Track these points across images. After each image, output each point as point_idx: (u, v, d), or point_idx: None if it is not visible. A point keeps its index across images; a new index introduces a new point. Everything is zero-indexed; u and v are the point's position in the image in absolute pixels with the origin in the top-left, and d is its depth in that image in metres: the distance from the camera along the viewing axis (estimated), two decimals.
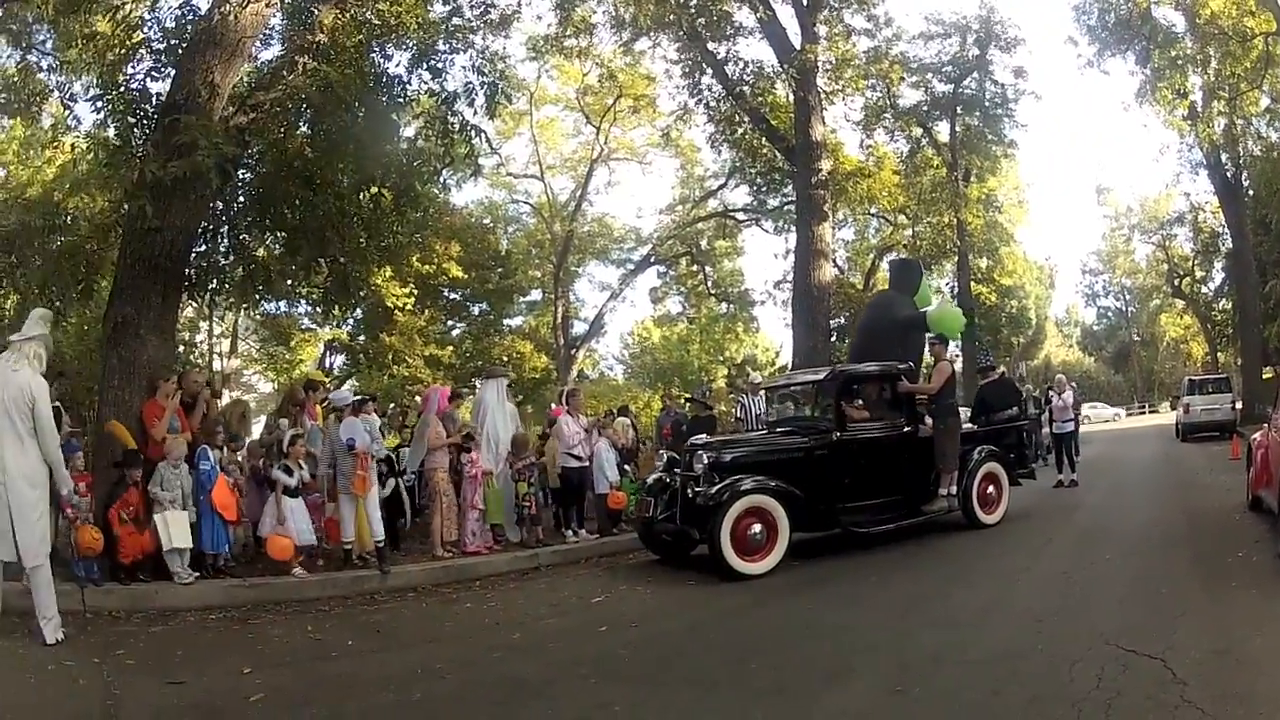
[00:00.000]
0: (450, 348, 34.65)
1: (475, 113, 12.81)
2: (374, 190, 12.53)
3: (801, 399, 14.67)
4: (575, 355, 45.27)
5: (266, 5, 11.96)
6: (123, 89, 11.62)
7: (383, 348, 32.01)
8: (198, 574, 10.27)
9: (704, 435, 13.51)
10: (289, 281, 13.70)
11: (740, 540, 10.97)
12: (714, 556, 10.94)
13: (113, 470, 10.32)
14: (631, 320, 71.37)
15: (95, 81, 12.45)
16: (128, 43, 11.79)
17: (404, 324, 31.92)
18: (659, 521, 12.31)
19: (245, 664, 7.55)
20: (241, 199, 12.61)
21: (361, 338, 33.99)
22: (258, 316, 31.23)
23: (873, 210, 35.18)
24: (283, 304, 28.27)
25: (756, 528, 11.10)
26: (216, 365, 33.64)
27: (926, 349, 14.82)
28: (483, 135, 13.01)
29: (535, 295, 45.85)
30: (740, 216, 42.18)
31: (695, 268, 47.31)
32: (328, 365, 34.57)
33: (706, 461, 11.74)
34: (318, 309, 17.43)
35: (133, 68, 12.09)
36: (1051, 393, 20.35)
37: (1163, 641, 6.53)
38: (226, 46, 11.53)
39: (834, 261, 41.19)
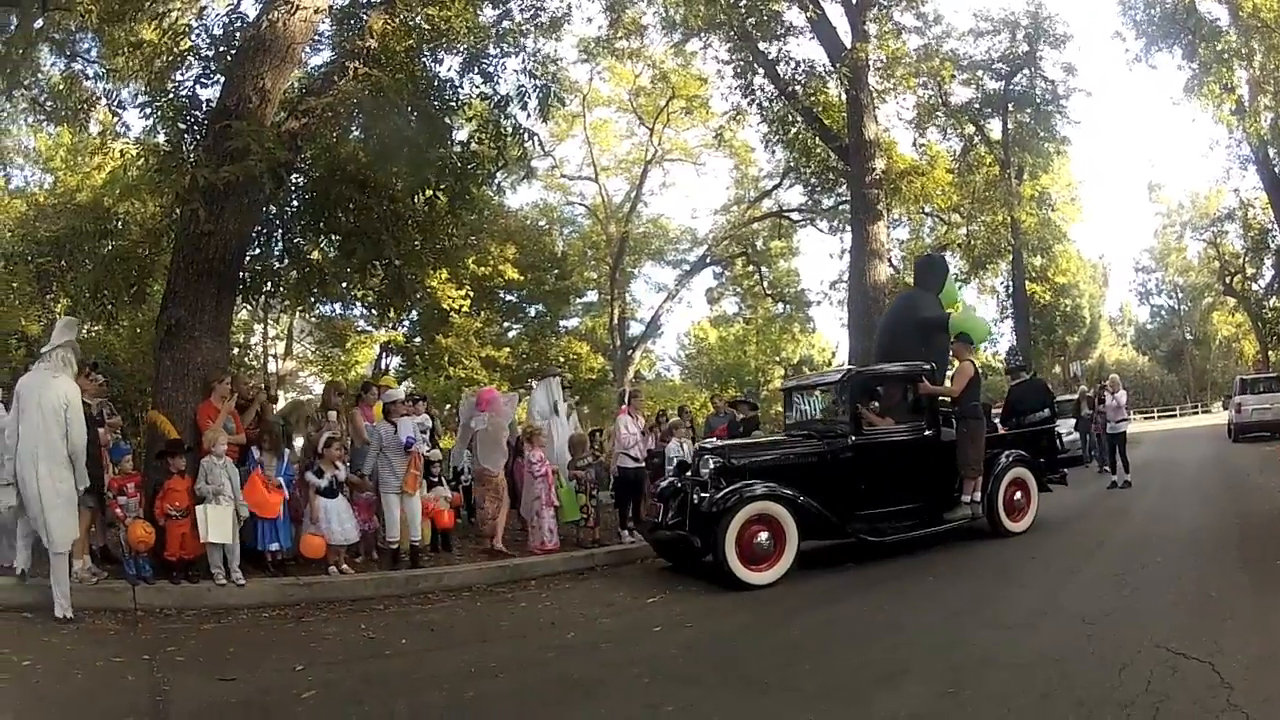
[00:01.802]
0: (506, 349, 34.64)
1: (528, 115, 12.86)
2: (428, 193, 12.54)
3: (819, 401, 14.03)
4: (632, 356, 45.20)
5: (316, 12, 12.10)
6: (172, 96, 11.81)
7: (438, 349, 32.23)
8: (240, 577, 10.16)
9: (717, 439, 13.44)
10: (344, 284, 13.79)
11: (746, 548, 10.59)
12: (718, 565, 10.59)
13: (158, 464, 10.43)
14: (688, 321, 71.40)
15: (143, 89, 12.58)
16: (175, 50, 11.93)
17: (460, 326, 32.02)
18: (667, 527, 11.94)
19: (298, 661, 7.64)
20: (295, 203, 12.75)
21: (418, 339, 34.25)
22: (312, 319, 31.50)
23: (927, 209, 34.81)
24: (338, 306, 28.61)
25: (763, 535, 10.71)
26: (271, 367, 33.98)
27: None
28: (535, 138, 12.99)
29: (592, 297, 45.85)
30: (795, 216, 41.75)
31: (751, 268, 47.07)
32: (384, 367, 34.85)
33: (712, 466, 11.41)
34: (373, 311, 17.50)
35: (181, 75, 12.33)
36: (1105, 393, 19.97)
37: (1211, 645, 6.44)
38: (277, 53, 11.68)
39: (889, 261, 40.93)
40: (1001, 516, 12.75)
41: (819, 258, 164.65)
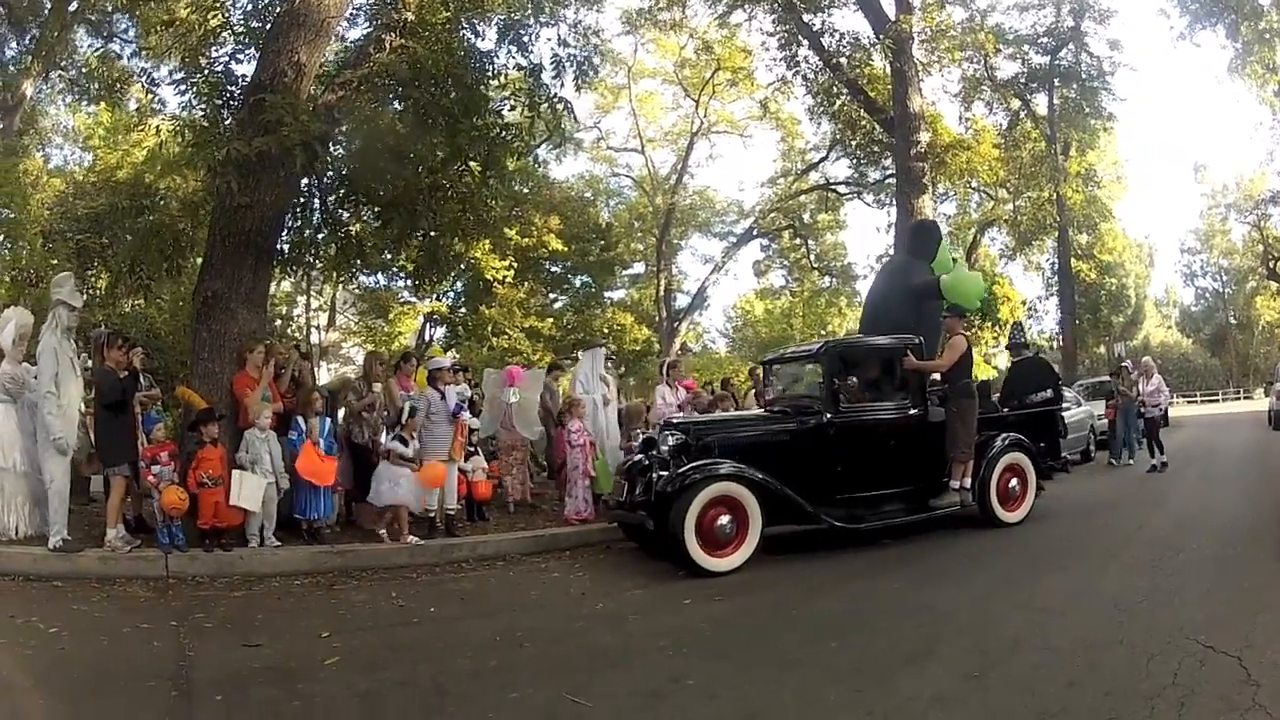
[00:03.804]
0: (550, 320, 34.64)
1: (561, 85, 12.70)
2: (460, 165, 12.42)
3: (800, 376, 13.11)
4: (678, 328, 45.20)
5: None
6: (206, 72, 11.83)
7: (481, 320, 32.35)
8: (275, 542, 10.45)
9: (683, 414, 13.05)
10: (383, 255, 13.84)
11: (706, 531, 9.84)
12: (674, 549, 9.83)
13: (191, 435, 10.53)
14: (735, 293, 71.22)
15: (178, 66, 12.63)
16: (208, 26, 11.90)
17: (503, 296, 32.13)
18: (627, 507, 11.08)
19: (324, 628, 7.61)
20: (332, 175, 12.73)
21: (463, 310, 34.37)
22: (356, 290, 31.72)
23: (973, 184, 34.56)
24: (380, 277, 28.79)
25: (724, 519, 9.94)
26: (315, 338, 34.26)
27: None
28: (568, 107, 12.82)
29: (638, 268, 45.90)
30: (841, 190, 41.37)
31: (798, 241, 46.88)
32: (428, 337, 35.02)
33: (671, 443, 10.71)
34: (410, 283, 17.56)
35: (216, 51, 12.30)
36: (1140, 376, 19.60)
37: (1241, 639, 6.19)
38: (311, 27, 11.67)
39: None
40: (994, 504, 11.88)
41: (865, 231, 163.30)
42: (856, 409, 11.45)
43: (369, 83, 11.53)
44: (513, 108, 13.07)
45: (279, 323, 29.43)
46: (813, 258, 47.13)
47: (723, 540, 9.94)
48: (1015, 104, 33.48)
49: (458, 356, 28.94)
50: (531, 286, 33.76)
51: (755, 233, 46.88)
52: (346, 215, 13.15)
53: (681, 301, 47.20)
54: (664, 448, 10.77)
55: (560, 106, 12.68)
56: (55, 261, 16.10)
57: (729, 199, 48.60)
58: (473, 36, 12.87)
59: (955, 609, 7.94)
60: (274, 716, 5.65)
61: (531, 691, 5.92)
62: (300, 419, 10.98)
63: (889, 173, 32.38)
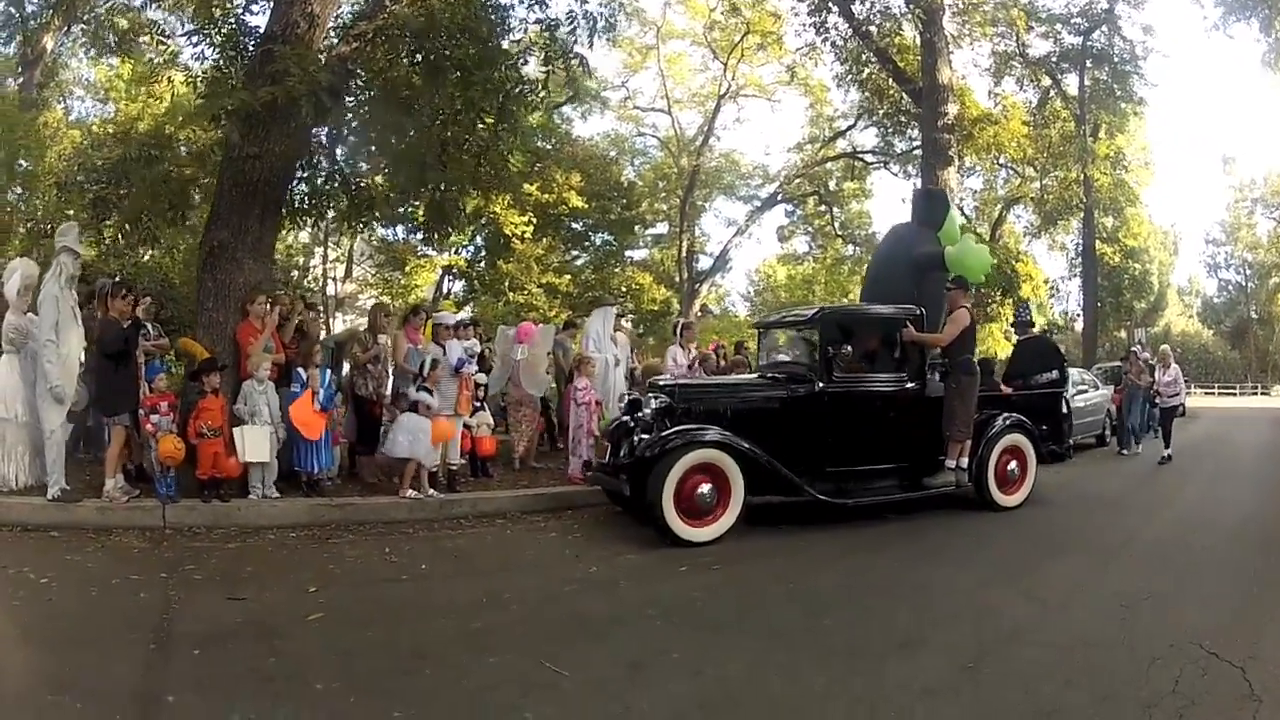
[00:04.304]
0: (568, 276, 34.30)
1: (577, 41, 12.32)
2: (473, 118, 12.12)
3: (796, 342, 12.49)
4: (698, 289, 45.07)
5: None
6: (219, 23, 11.70)
7: (499, 275, 32.20)
8: (275, 493, 10.43)
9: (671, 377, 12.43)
10: (397, 209, 13.76)
11: (686, 499, 9.46)
12: (651, 517, 9.44)
13: (193, 384, 10.49)
14: (758, 257, 70.88)
15: (192, 17, 12.52)
16: None
17: (521, 252, 31.88)
18: (609, 470, 10.86)
19: (312, 583, 7.52)
20: (344, 127, 12.53)
21: (482, 264, 34.29)
22: (373, 242, 31.64)
23: (1001, 160, 34.22)
24: (399, 229, 28.69)
25: (705, 487, 9.55)
26: (331, 289, 34.25)
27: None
28: (584, 64, 12.41)
29: (662, 228, 45.66)
30: (869, 159, 40.87)
31: (823, 208, 46.56)
32: (445, 291, 34.98)
33: (654, 406, 10.46)
34: (421, 236, 17.50)
35: (230, 3, 12.14)
36: (1157, 365, 18.87)
37: (1246, 649, 5.92)
38: None
39: (960, 209, 40.31)
40: (991, 487, 11.44)
41: (892, 201, 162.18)
42: (851, 379, 10.98)
43: (383, 34, 11.26)
44: (526, 63, 12.78)
45: (295, 274, 29.44)
46: (837, 225, 46.71)
47: (703, 509, 9.58)
48: (1046, 82, 32.99)
49: (474, 311, 28.95)
50: (550, 242, 33.44)
51: (780, 198, 46.51)
52: (360, 167, 13.00)
53: (704, 263, 46.96)
54: (646, 410, 10.55)
55: (576, 63, 12.32)
56: (71, 212, 16.08)
57: (755, 163, 48.40)
58: None
59: (954, 593, 7.74)
60: (249, 673, 5.48)
61: (511, 657, 5.80)
62: (301, 370, 10.89)
63: (915, 143, 32.05)
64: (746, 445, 9.91)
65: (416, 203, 13.17)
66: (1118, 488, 14.20)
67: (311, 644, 6.10)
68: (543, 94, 12.70)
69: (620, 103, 43.72)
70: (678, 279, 42.86)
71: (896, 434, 11.09)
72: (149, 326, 11.12)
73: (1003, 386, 12.79)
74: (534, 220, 31.73)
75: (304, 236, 27.22)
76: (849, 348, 10.93)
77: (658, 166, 45.20)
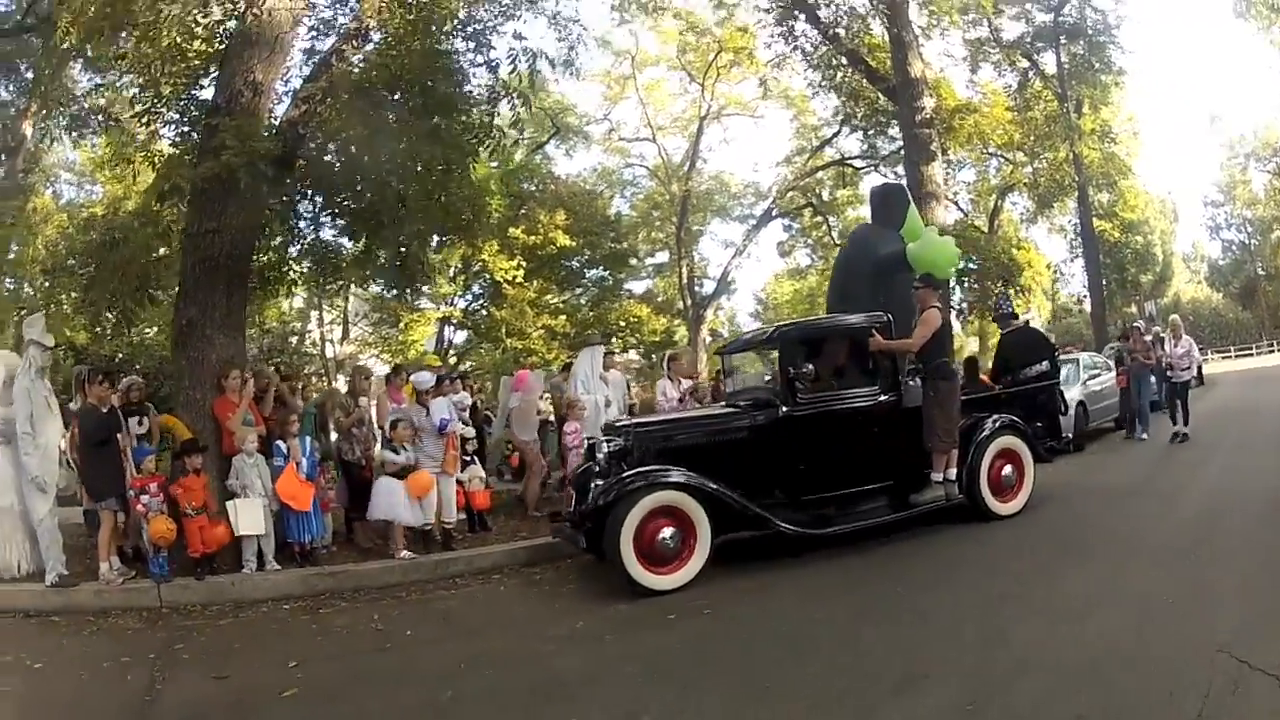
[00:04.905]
0: (564, 317, 34.00)
1: (520, 81, 12.14)
2: (422, 169, 12.01)
3: (760, 365, 11.85)
4: (703, 315, 45.02)
5: None
6: (167, 100, 11.78)
7: (495, 322, 32.10)
8: (275, 565, 10.38)
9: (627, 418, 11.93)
10: (363, 269, 13.77)
11: (648, 546, 8.82)
12: (613, 566, 8.88)
13: (177, 464, 10.41)
14: (760, 276, 70.89)
15: (136, 97, 12.56)
16: (159, 55, 11.78)
17: (513, 296, 31.70)
18: (570, 520, 10.32)
19: (295, 657, 7.45)
20: (301, 190, 12.48)
21: (484, 311, 34.26)
22: (366, 299, 31.72)
23: (990, 150, 34.08)
24: (371, 287, 28.79)
25: (667, 531, 8.90)
26: (330, 352, 34.31)
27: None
28: (526, 100, 12.32)
29: (662, 257, 45.62)
30: (858, 164, 40.89)
31: (819, 219, 46.52)
32: (447, 341, 35.00)
33: (609, 449, 9.81)
34: (387, 291, 17.52)
35: (176, 81, 12.18)
36: (1168, 336, 17.43)
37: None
38: (265, 45, 11.36)
39: (956, 204, 40.11)
40: (985, 496, 10.53)
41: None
42: (818, 398, 10.26)
43: (330, 95, 11.26)
44: (474, 105, 12.57)
45: (294, 339, 29.50)
46: (835, 234, 46.46)
47: (667, 555, 8.92)
48: (1023, 64, 32.87)
49: (469, 362, 28.96)
50: (541, 284, 33.27)
51: (774, 213, 46.35)
52: (320, 229, 13.00)
53: (709, 288, 46.95)
54: (599, 455, 9.91)
55: (520, 102, 12.23)
56: (61, 297, 16.21)
57: (744, 181, 48.15)
58: (441, 39, 12.51)
59: (958, 619, 7.10)
60: None
61: None
62: (280, 442, 10.78)
63: (899, 143, 32.00)
64: (706, 482, 9.26)
65: (371, 262, 13.09)
66: (1132, 476, 13.36)
67: None
68: (496, 136, 12.57)
69: (604, 135, 43.83)
70: (682, 306, 42.79)
71: (875, 452, 10.30)
72: (144, 413, 11.07)
73: (990, 384, 12.28)
74: (523, 264, 31.61)
75: (298, 301, 27.26)
76: (810, 366, 10.28)
77: (649, 196, 45.23)
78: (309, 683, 6.82)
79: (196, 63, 11.67)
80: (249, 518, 10.14)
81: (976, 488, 10.52)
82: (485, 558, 11.19)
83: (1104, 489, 12.54)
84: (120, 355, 16.89)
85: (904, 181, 30.11)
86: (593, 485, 9.66)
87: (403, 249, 12.51)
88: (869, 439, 10.26)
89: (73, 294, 14.25)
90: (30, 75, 18.78)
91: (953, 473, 10.35)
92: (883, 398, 10.45)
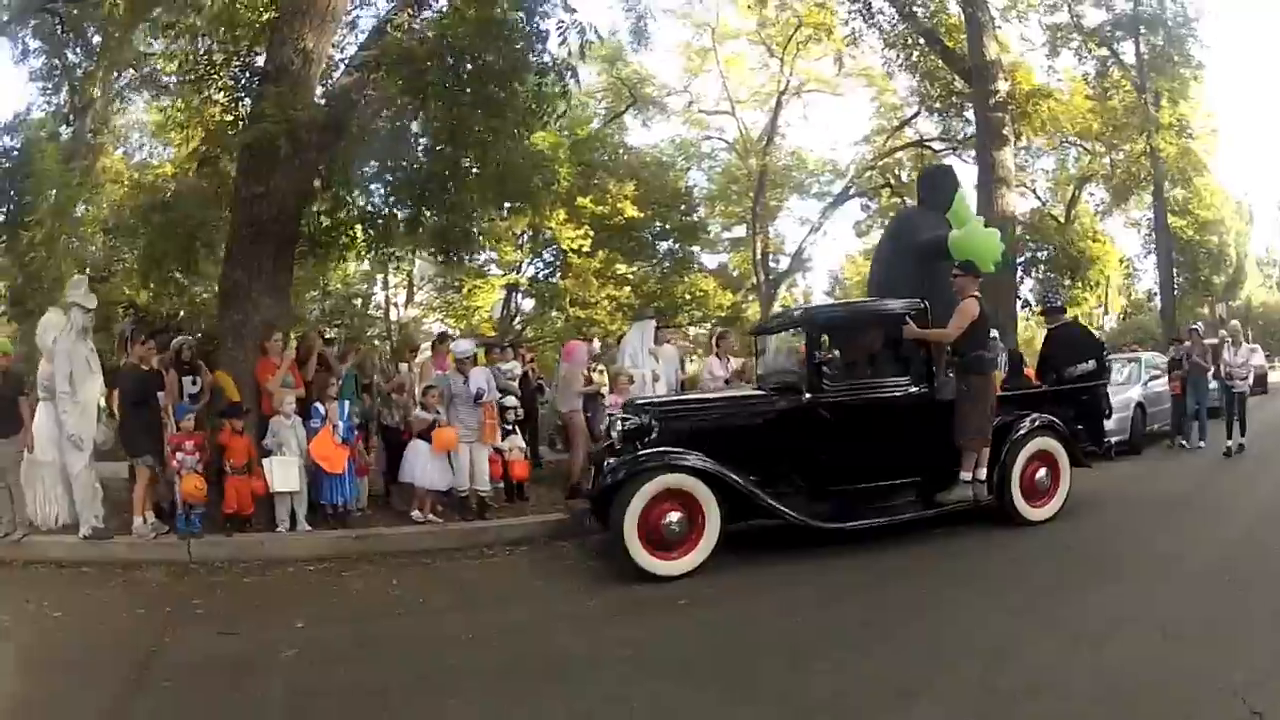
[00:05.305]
0: (628, 288, 33.57)
1: (569, 54, 11.85)
2: (470, 139, 11.77)
3: (790, 348, 11.12)
4: (775, 292, 44.69)
5: None
6: (215, 67, 11.96)
7: (558, 291, 32.14)
8: (306, 526, 10.62)
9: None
10: (412, 235, 13.85)
11: (653, 530, 8.53)
12: (616, 548, 8.65)
13: (221, 422, 10.65)
14: (839, 255, 70.14)
15: (184, 65, 12.74)
16: (205, 25, 11.88)
17: (578, 266, 31.65)
18: (586, 496, 10.18)
19: (306, 618, 7.56)
20: (356, 158, 12.40)
21: (553, 279, 34.28)
22: (431, 264, 31.81)
23: (1070, 138, 32.98)
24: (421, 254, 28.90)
25: (674, 516, 8.58)
26: (394, 315, 34.56)
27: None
28: (574, 74, 12.04)
29: (740, 232, 45.28)
30: (937, 146, 40.29)
31: (896, 199, 46.00)
32: (514, 308, 35.09)
33: (626, 427, 9.56)
34: (438, 259, 17.54)
35: (227, 49, 12.27)
36: (1228, 343, 16.44)
37: None
38: (316, 13, 11.44)
39: (1034, 192, 39.42)
40: (1016, 500, 9.90)
41: (966, 188, 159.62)
42: (844, 387, 9.85)
43: (380, 63, 11.27)
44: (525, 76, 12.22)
45: (359, 302, 29.76)
46: None
47: (671, 540, 8.62)
48: (1102, 52, 32.11)
49: (529, 332, 28.98)
50: (607, 255, 32.94)
51: (852, 192, 45.86)
52: (371, 196, 13.14)
53: (784, 265, 46.56)
54: (614, 433, 9.75)
55: (570, 75, 11.99)
56: (125, 256, 16.56)
57: (822, 159, 47.16)
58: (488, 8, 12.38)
59: (973, 628, 6.75)
60: (206, 707, 5.72)
61: (469, 700, 5.72)
62: (319, 405, 10.93)
63: (975, 126, 31.55)
64: (717, 468, 8.88)
65: (416, 231, 13.14)
66: (1180, 488, 12.60)
67: (277, 681, 6.15)
68: (549, 108, 12.52)
69: (684, 108, 43.51)
70: (755, 281, 42.52)
71: (903, 446, 9.72)
72: (196, 372, 11.51)
73: (1034, 380, 11.75)
74: (590, 233, 31.60)
75: (365, 265, 27.52)
76: (836, 352, 9.97)
77: (727, 169, 44.91)
78: (312, 644, 6.90)
79: (244, 31, 11.73)
80: (283, 474, 10.33)
81: (1007, 490, 9.90)
82: (516, 529, 11.17)
83: (1147, 499, 11.91)
84: (182, 314, 17.16)
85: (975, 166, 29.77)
86: (605, 464, 9.51)
87: (448, 217, 12.48)
88: (897, 432, 9.68)
89: (134, 253, 14.43)
90: (98, 39, 18.96)
91: (982, 473, 9.75)
92: (914, 389, 9.86)
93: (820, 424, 9.48)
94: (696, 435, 9.28)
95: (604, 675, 6.12)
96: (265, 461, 10.35)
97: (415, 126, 11.84)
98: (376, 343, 23.55)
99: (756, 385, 11.21)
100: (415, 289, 34.86)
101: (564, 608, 8.01)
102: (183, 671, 6.28)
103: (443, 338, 13.69)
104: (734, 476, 8.93)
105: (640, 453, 9.05)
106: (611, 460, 9.38)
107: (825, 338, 10.41)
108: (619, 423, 9.81)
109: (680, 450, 8.99)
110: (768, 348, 11.79)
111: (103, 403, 10.61)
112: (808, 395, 9.55)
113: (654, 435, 9.32)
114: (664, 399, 11.19)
